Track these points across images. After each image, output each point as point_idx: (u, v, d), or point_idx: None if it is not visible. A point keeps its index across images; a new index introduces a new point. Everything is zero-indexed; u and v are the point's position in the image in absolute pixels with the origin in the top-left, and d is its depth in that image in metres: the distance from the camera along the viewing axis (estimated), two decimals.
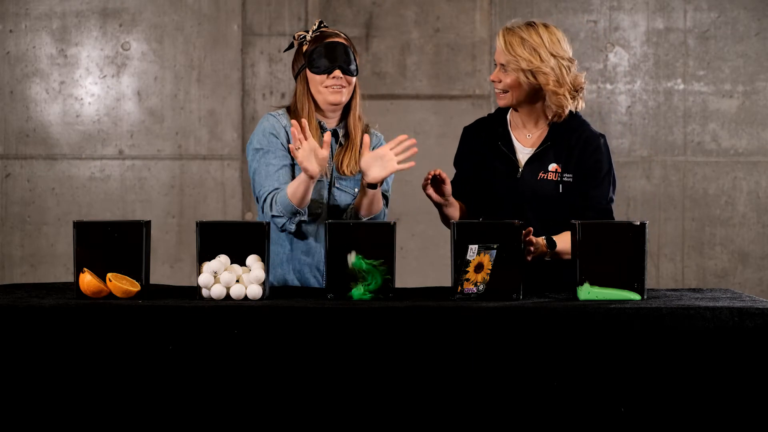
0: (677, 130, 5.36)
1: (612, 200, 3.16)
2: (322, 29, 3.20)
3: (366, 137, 3.06)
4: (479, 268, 2.70)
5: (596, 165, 3.15)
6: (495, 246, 2.70)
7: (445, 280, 2.87)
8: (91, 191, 5.37)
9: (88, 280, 2.71)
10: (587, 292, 2.69)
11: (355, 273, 2.69)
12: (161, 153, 5.36)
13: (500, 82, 3.12)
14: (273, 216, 3.05)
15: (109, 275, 2.71)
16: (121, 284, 2.71)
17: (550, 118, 3.17)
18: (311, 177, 2.96)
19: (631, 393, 2.53)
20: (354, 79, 3.17)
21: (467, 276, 2.70)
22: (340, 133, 3.22)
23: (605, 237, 2.69)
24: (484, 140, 3.24)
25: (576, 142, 3.15)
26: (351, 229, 2.71)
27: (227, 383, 2.55)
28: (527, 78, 3.08)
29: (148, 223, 2.79)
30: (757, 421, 2.52)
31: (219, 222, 2.80)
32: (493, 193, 3.18)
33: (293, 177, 3.13)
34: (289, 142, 3.14)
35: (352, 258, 2.70)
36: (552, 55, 3.07)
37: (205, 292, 2.72)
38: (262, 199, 3.12)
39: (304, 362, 2.55)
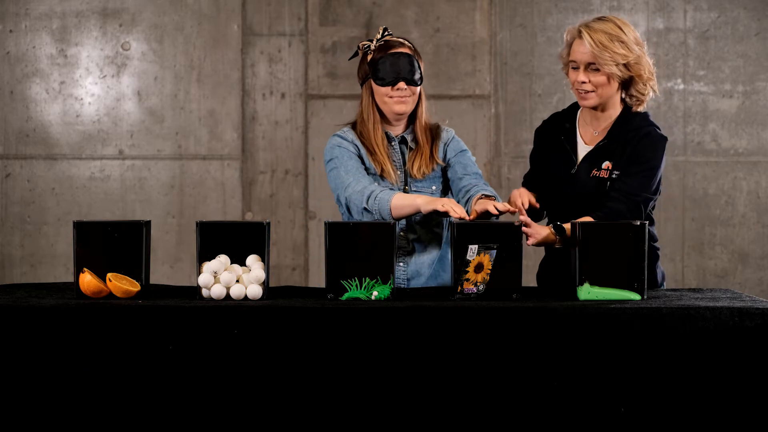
0: (677, 130, 5.36)
1: (647, 199, 3.06)
2: (386, 38, 3.19)
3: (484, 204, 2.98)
4: (479, 268, 2.70)
5: (640, 156, 3.07)
6: (495, 246, 2.70)
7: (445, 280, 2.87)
8: (91, 191, 5.37)
9: (88, 280, 2.71)
10: (587, 292, 2.69)
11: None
12: (161, 153, 5.36)
13: (588, 82, 3.07)
14: (365, 209, 3.04)
15: (109, 275, 2.71)
16: (121, 284, 2.71)
17: (620, 112, 3.14)
18: (420, 209, 2.97)
19: (631, 393, 2.53)
20: (418, 88, 3.18)
21: (467, 276, 2.70)
22: (408, 138, 3.23)
23: (605, 237, 2.69)
24: (553, 136, 3.24)
25: (633, 137, 3.10)
26: (351, 229, 2.71)
27: (227, 383, 2.55)
28: (620, 72, 3.05)
29: (148, 223, 2.79)
30: (757, 421, 2.52)
31: (219, 222, 2.79)
32: (551, 188, 3.19)
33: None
34: (357, 152, 3.17)
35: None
36: (635, 43, 3.05)
37: (205, 292, 2.72)
38: (349, 187, 3.09)
39: (304, 362, 2.55)
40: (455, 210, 2.88)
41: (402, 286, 3.16)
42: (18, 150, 5.35)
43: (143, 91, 5.35)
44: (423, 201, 2.97)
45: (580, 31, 3.06)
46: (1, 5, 5.34)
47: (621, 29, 3.04)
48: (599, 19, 3.08)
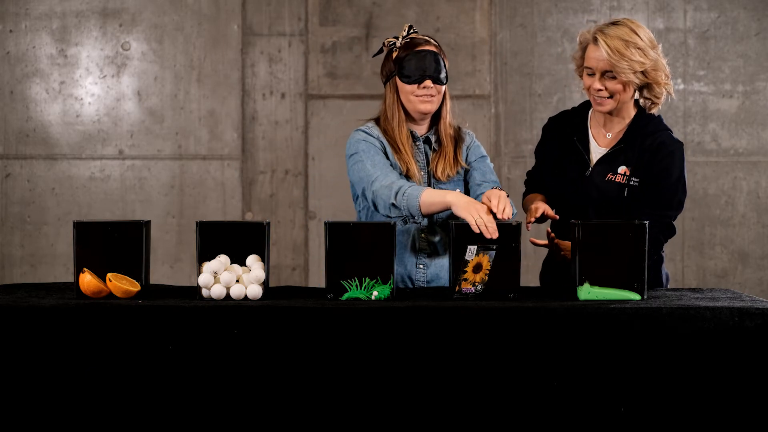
0: (677, 130, 5.36)
1: (677, 213, 3.06)
2: (411, 35, 3.15)
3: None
4: (478, 268, 2.69)
5: (663, 172, 3.06)
6: (494, 247, 2.70)
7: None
8: (91, 191, 5.37)
9: (88, 280, 2.71)
10: (587, 292, 2.69)
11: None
12: (161, 153, 5.36)
13: (604, 89, 3.03)
14: (393, 204, 2.97)
15: (109, 275, 2.71)
16: (121, 284, 2.71)
17: (634, 115, 3.11)
18: (450, 209, 2.87)
19: (631, 393, 2.53)
20: (444, 87, 3.13)
21: (465, 276, 2.70)
22: (432, 139, 3.19)
23: (605, 237, 2.69)
24: (563, 134, 3.20)
25: (649, 145, 3.07)
26: (351, 228, 2.71)
27: (227, 383, 2.55)
28: (638, 80, 3.01)
29: (148, 223, 2.79)
30: (757, 421, 2.52)
31: (219, 222, 2.80)
32: (560, 189, 3.16)
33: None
34: (383, 148, 3.11)
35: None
36: (651, 47, 3.00)
37: (205, 292, 2.72)
38: (376, 181, 3.01)
39: (303, 362, 2.55)
40: (489, 233, 2.73)
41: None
42: (18, 150, 5.35)
43: (143, 91, 5.35)
44: (454, 200, 2.85)
45: (595, 38, 3.01)
46: (1, 5, 5.33)
47: (636, 33, 2.98)
48: (613, 23, 3.02)
